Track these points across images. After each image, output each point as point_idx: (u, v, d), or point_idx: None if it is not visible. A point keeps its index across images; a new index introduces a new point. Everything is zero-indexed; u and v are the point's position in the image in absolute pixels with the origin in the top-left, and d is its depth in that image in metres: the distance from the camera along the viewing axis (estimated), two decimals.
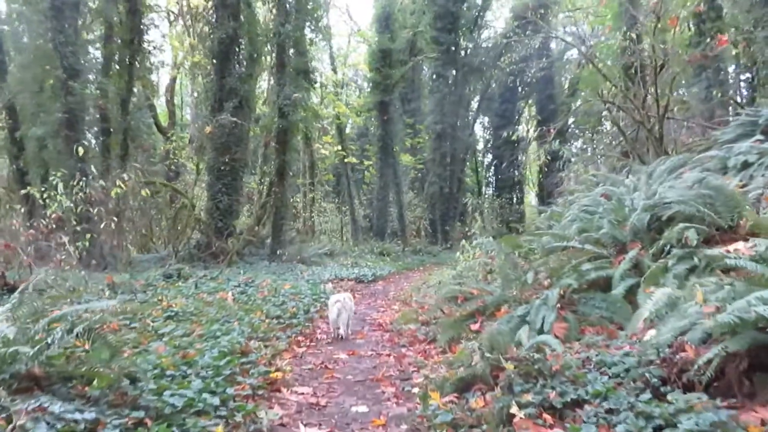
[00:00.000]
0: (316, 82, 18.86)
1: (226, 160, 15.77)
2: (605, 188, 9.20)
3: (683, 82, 13.17)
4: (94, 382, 3.59)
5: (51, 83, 14.99)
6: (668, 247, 6.10)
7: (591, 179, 14.35)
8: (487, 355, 4.19)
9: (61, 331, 3.40)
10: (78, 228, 9.99)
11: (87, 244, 10.20)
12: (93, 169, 11.78)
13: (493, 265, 9.74)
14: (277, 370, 4.97)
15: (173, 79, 31.10)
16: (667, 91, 10.48)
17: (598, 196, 8.80)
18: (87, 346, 4.01)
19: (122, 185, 10.36)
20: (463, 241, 11.69)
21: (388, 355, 5.87)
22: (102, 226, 11.02)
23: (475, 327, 5.90)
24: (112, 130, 18.07)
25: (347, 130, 34.48)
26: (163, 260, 15.02)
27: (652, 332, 4.98)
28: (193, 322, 6.82)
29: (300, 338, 6.74)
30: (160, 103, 32.35)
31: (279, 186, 16.86)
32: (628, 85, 11.27)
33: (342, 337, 6.98)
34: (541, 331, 5.33)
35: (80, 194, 10.15)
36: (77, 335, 3.43)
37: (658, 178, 8.72)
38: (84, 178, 12.21)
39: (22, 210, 9.94)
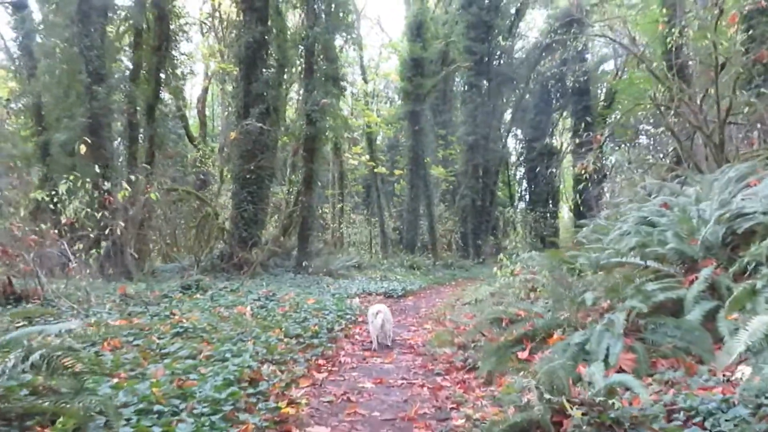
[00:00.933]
0: (345, 90, 18.26)
1: (252, 167, 15.20)
2: (664, 198, 8.27)
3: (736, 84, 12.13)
4: (58, 422, 2.90)
5: (76, 88, 14.69)
6: (753, 265, 5.20)
7: (639, 190, 13.38)
8: (547, 396, 3.36)
9: (15, 359, 2.71)
10: (91, 235, 9.43)
11: (101, 252, 9.65)
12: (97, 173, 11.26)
13: (536, 282, 8.87)
14: (291, 403, 4.21)
15: (205, 90, 31.07)
16: (728, 92, 9.49)
17: (657, 206, 7.89)
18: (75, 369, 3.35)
19: (128, 188, 9.75)
20: (501, 255, 10.82)
21: (422, 386, 5.05)
22: (107, 231, 10.40)
23: (522, 355, 5.06)
24: (141, 138, 17.84)
25: (377, 142, 33.88)
26: (186, 270, 14.49)
27: (744, 370, 4.08)
28: (203, 341, 6.12)
29: (321, 362, 5.98)
30: (193, 115, 32.41)
31: (306, 195, 16.22)
32: (681, 87, 10.30)
33: (387, 345, 7.17)
34: (605, 364, 4.47)
35: (89, 199, 9.59)
36: (32, 364, 2.72)
37: (726, 188, 7.74)
38: (102, 184, 11.80)
39: (23, 214, 9.40)
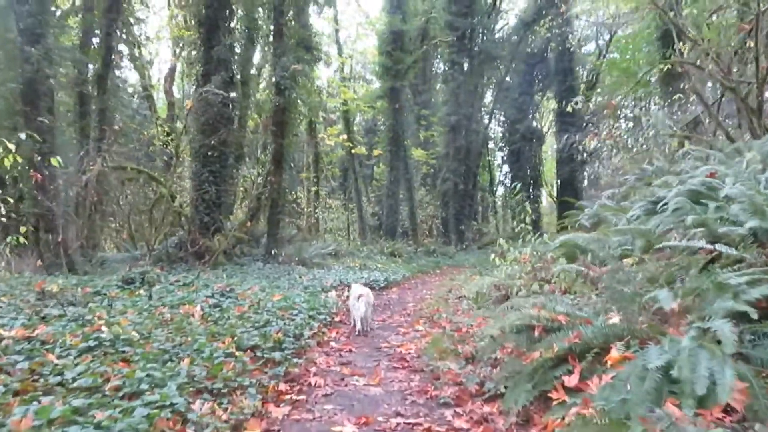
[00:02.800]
0: (319, 59, 16.46)
1: (213, 143, 13.39)
2: (710, 167, 6.83)
3: None
4: None
5: (6, 50, 12.71)
6: None
7: (647, 167, 12.05)
8: None
9: None
10: (3, 219, 7.62)
11: (20, 239, 7.89)
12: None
13: (550, 272, 7.38)
14: None
15: (172, 69, 28.97)
16: None
17: (704, 176, 6.44)
18: None
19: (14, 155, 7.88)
20: (500, 240, 9.31)
21: (427, 430, 3.48)
22: (43, 217, 8.62)
23: (570, 381, 3.51)
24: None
25: (355, 127, 32.07)
26: (139, 261, 12.72)
27: None
28: (123, 359, 4.48)
29: (282, 386, 4.35)
30: (162, 97, 30.29)
31: (276, 175, 14.43)
32: (711, 42, 8.82)
33: (365, 333, 6.89)
34: (706, 399, 2.97)
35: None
36: None
37: None
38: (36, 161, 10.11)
39: None
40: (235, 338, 5.26)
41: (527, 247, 8.26)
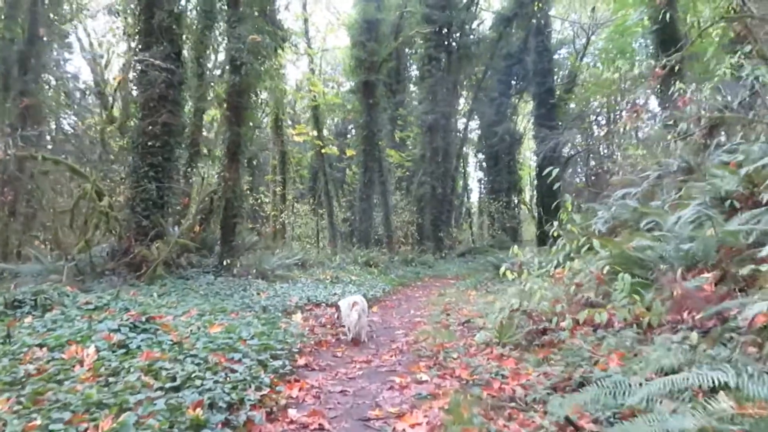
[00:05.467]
0: (285, 39, 14.18)
1: (155, 131, 10.96)
2: None
3: None
4: None
5: None
6: None
7: (672, 162, 10.22)
8: None
9: None
10: None
11: None
12: None
13: (596, 290, 5.30)
14: None
15: (126, 64, 26.33)
16: None
17: None
18: None
19: None
20: (515, 247, 7.19)
21: None
22: None
23: None
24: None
25: (325, 129, 29.75)
26: (59, 272, 10.20)
27: None
28: None
29: None
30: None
31: (230, 170, 12.03)
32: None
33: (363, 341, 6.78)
34: None
35: None
36: None
37: None
38: None
39: None
40: (119, 422, 2.99)
41: (560, 257, 6.16)
